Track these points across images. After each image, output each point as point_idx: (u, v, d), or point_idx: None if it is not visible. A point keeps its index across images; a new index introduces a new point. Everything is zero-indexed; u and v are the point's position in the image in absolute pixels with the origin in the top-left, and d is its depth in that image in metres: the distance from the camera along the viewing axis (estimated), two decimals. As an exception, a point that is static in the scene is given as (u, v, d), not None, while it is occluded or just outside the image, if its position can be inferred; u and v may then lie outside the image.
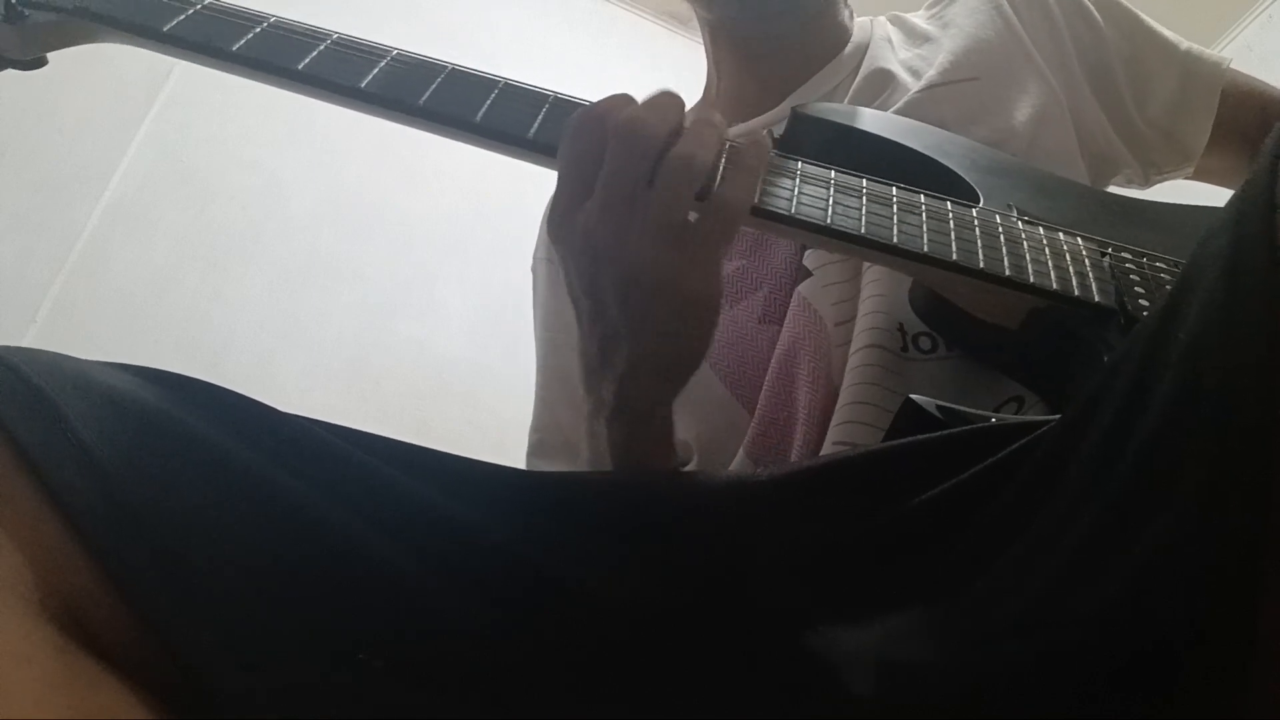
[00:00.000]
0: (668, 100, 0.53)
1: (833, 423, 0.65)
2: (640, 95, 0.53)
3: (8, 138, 1.99)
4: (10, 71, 0.58)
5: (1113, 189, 0.82)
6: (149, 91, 2.15)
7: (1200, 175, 0.85)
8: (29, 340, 1.87)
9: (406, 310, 2.23)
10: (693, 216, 0.51)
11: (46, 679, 0.30)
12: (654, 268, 0.49)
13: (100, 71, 2.07)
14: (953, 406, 0.51)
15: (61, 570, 0.33)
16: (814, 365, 0.67)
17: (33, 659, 0.30)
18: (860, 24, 0.83)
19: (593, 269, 0.51)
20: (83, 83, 2.06)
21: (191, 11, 0.56)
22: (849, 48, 0.81)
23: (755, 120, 0.78)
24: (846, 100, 0.77)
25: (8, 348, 0.37)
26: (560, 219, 0.52)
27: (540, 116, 0.55)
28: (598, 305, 0.52)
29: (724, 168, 0.52)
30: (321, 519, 0.38)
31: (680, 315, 0.51)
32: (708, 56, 0.86)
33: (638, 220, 0.49)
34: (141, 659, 0.33)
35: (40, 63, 0.59)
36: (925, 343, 0.65)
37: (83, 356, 0.40)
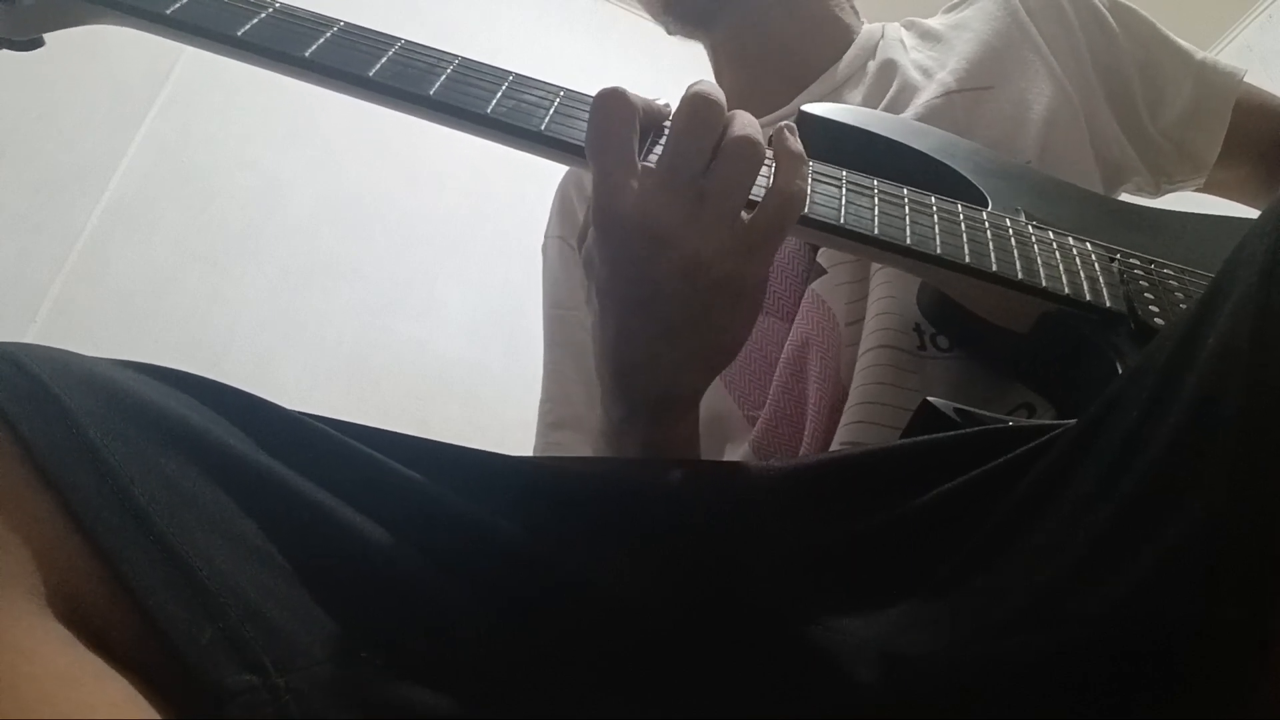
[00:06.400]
0: (716, 84, 0.52)
1: (841, 422, 0.65)
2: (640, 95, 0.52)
3: (8, 138, 1.98)
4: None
5: (1124, 197, 0.82)
6: (149, 91, 2.14)
7: (1210, 188, 0.84)
8: (29, 340, 1.87)
9: (406, 310, 2.22)
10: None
11: (53, 674, 0.30)
12: (724, 257, 0.48)
13: (100, 72, 2.06)
14: (969, 409, 0.50)
15: (66, 566, 0.33)
16: (824, 362, 0.67)
17: (39, 654, 0.30)
18: (870, 29, 0.83)
19: (648, 255, 0.48)
20: (83, 83, 2.05)
21: None
22: (855, 47, 0.80)
23: (763, 118, 0.78)
24: (860, 98, 0.77)
25: (10, 343, 0.37)
26: (608, 203, 0.49)
27: (551, 110, 0.54)
28: (651, 296, 0.49)
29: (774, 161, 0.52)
30: (326, 516, 0.38)
31: (737, 306, 0.51)
32: (712, 70, 0.86)
33: (702, 204, 0.48)
34: (145, 656, 0.33)
35: (37, 43, 0.56)
36: (944, 341, 0.65)
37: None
